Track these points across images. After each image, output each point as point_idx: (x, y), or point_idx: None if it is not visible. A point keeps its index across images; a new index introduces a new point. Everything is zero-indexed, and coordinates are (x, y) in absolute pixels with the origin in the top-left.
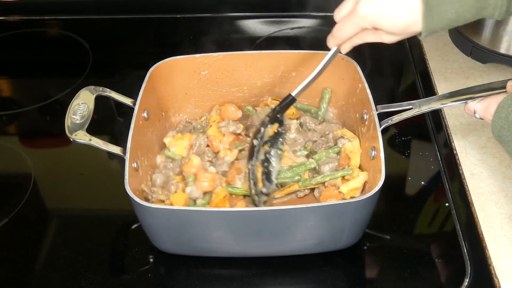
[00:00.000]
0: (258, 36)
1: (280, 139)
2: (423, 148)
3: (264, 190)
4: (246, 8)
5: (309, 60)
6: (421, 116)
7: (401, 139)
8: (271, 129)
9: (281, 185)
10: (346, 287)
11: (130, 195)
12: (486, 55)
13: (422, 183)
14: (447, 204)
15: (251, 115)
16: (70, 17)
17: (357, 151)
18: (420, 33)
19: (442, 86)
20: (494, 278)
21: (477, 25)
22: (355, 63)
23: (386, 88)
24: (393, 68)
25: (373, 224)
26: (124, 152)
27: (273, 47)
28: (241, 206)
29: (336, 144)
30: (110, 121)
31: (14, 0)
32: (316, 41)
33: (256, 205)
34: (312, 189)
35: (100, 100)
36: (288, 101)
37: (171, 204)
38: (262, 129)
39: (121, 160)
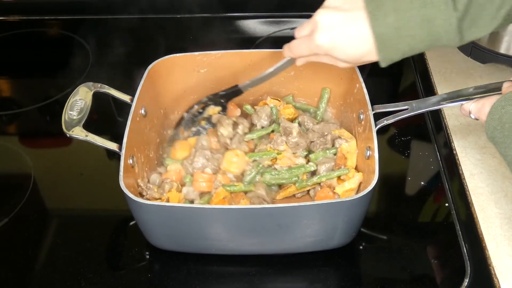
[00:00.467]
0: (258, 36)
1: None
2: (423, 148)
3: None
4: (246, 8)
5: None
6: (421, 116)
7: (401, 139)
8: (213, 110)
9: (279, 186)
10: (346, 287)
11: (124, 191)
12: (486, 55)
13: (422, 183)
14: (446, 204)
15: (250, 114)
16: (70, 17)
17: (353, 151)
18: (378, 62)
19: (442, 86)
20: (494, 278)
21: None
22: None
23: (386, 88)
24: (393, 68)
25: (373, 224)
26: (120, 148)
27: (273, 47)
28: (245, 204)
29: (333, 145)
30: (110, 121)
31: (14, 0)
32: None
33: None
34: (308, 190)
35: (100, 100)
36: (233, 91)
37: (167, 201)
38: (196, 106)
39: (120, 159)
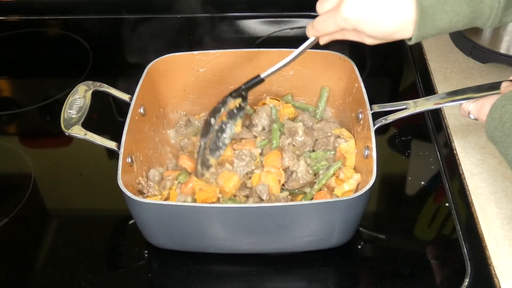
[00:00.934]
0: (258, 36)
1: (241, 113)
2: (423, 148)
3: (209, 161)
4: (246, 8)
5: (307, 59)
6: (421, 116)
7: (401, 139)
8: (234, 103)
9: (291, 193)
10: (346, 287)
11: (122, 189)
12: (486, 55)
13: (422, 183)
14: (447, 204)
15: (249, 114)
16: (70, 17)
17: (352, 151)
18: (409, 39)
19: (442, 86)
20: (494, 278)
21: None
22: (352, 62)
23: (386, 88)
24: (393, 67)
25: (373, 224)
26: (119, 147)
27: (273, 47)
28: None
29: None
30: (110, 121)
31: (14, 0)
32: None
33: (196, 177)
34: None
35: (101, 100)
36: (256, 81)
37: (167, 199)
38: (222, 108)
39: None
